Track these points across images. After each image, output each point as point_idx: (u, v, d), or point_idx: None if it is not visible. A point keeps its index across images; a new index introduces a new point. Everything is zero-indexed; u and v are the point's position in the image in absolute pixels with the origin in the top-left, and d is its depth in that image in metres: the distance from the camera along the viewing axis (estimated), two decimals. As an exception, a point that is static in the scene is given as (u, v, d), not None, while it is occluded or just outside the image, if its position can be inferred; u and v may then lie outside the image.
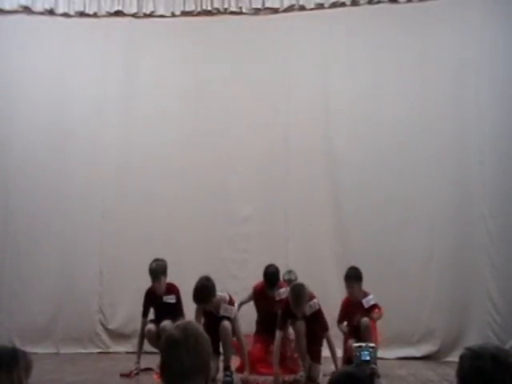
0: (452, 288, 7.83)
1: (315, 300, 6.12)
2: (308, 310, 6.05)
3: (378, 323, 6.68)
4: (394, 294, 7.51)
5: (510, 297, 7.70)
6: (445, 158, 8.12)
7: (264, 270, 6.78)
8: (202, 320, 6.25)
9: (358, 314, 6.58)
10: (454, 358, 7.24)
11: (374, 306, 6.65)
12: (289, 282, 6.96)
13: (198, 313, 6.29)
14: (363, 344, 2.79)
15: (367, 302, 6.63)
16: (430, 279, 7.90)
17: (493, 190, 7.87)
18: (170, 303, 6.75)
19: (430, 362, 7.55)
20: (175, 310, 6.55)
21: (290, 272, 7.19)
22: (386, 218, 8.02)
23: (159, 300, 6.81)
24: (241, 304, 6.94)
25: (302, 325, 5.97)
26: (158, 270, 6.72)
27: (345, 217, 8.28)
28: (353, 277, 6.61)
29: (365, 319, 6.50)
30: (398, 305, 7.55)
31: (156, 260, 6.79)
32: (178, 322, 2.38)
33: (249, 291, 7.15)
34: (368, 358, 2.73)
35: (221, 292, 6.30)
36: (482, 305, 7.72)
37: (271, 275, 6.79)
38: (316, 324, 6.05)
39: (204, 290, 6.12)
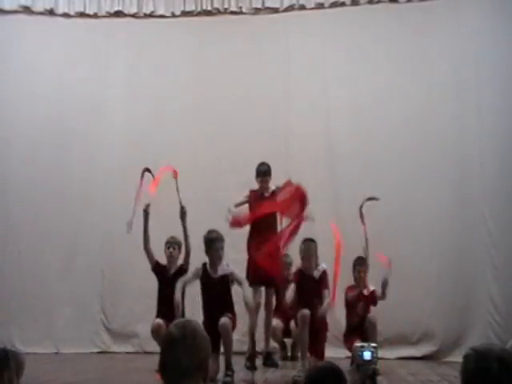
0: (452, 288, 7.84)
1: (323, 264, 6.34)
2: (316, 274, 6.24)
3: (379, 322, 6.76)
4: (395, 294, 7.49)
5: (510, 297, 7.70)
6: (445, 158, 8.13)
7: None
8: (202, 320, 6.20)
9: (361, 303, 6.71)
10: (454, 358, 7.28)
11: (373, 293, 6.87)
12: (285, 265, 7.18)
13: (194, 276, 6.32)
14: (365, 344, 2.77)
15: (367, 290, 6.87)
16: (430, 279, 7.91)
17: (493, 191, 7.88)
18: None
19: (429, 362, 7.55)
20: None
21: (286, 255, 7.27)
22: (387, 218, 8.02)
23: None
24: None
25: (306, 313, 5.97)
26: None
27: (345, 217, 8.27)
28: (360, 261, 6.86)
29: (371, 316, 6.61)
30: (398, 305, 7.55)
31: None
32: (177, 320, 2.39)
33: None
34: (370, 358, 2.72)
35: None
36: (482, 305, 7.73)
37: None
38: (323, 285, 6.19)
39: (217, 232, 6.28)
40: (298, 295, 6.26)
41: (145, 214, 6.85)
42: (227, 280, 6.29)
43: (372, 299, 6.85)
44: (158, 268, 6.91)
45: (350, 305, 6.89)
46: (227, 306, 6.26)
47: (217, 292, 6.26)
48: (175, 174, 6.89)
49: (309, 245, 6.28)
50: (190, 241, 6.76)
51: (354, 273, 6.93)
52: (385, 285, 6.77)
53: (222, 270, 6.32)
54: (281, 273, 6.79)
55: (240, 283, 6.29)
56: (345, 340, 6.86)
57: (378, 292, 6.84)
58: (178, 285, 6.27)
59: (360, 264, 6.90)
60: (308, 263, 6.22)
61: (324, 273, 6.26)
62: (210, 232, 6.41)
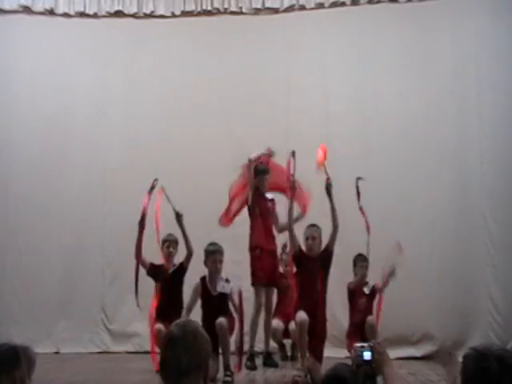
0: (453, 288, 7.84)
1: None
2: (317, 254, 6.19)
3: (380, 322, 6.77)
4: (395, 294, 7.49)
5: (510, 297, 7.71)
6: (445, 158, 8.14)
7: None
8: (200, 321, 6.21)
9: (362, 299, 6.78)
10: (455, 358, 7.27)
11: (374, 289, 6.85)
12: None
13: (195, 294, 6.33)
14: (365, 344, 2.76)
15: (368, 288, 6.88)
16: (430, 279, 7.91)
17: (493, 190, 7.89)
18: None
19: (430, 362, 7.55)
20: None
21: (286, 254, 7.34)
22: (387, 218, 8.03)
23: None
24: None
25: (304, 319, 5.95)
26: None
27: (344, 217, 8.26)
28: (363, 258, 6.89)
29: (370, 319, 6.62)
30: (398, 305, 7.55)
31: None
32: (178, 320, 2.39)
33: (248, 293, 7.11)
34: (369, 358, 2.71)
35: None
36: (482, 305, 7.74)
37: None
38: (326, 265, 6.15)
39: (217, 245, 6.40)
40: (300, 279, 6.24)
41: (140, 227, 6.77)
42: (225, 298, 6.31)
43: (373, 295, 6.86)
44: (153, 269, 6.85)
45: (351, 300, 6.89)
46: (225, 315, 6.30)
47: (216, 308, 6.27)
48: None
49: (312, 227, 6.24)
50: (190, 243, 6.73)
51: (355, 269, 6.94)
52: (391, 272, 6.76)
53: (221, 287, 6.32)
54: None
55: (234, 307, 6.29)
56: (347, 338, 6.89)
57: (379, 284, 6.84)
58: (184, 313, 6.32)
59: (362, 260, 6.91)
60: (313, 243, 6.13)
61: (325, 249, 6.23)
62: (210, 244, 6.48)
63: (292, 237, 6.20)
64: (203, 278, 6.37)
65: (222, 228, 7.66)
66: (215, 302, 6.27)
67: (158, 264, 6.89)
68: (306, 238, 6.23)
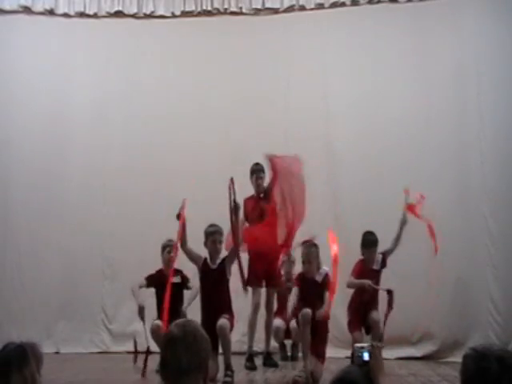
0: (453, 288, 7.84)
1: (325, 267, 6.22)
2: (319, 278, 6.16)
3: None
4: (395, 294, 7.49)
5: (510, 297, 7.70)
6: (445, 158, 8.13)
7: None
8: (200, 320, 6.19)
9: (372, 281, 6.74)
10: (455, 358, 7.27)
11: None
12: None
13: (199, 257, 6.41)
14: (365, 344, 2.76)
15: (377, 264, 6.89)
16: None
17: (493, 190, 7.88)
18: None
19: (430, 362, 7.55)
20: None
21: (290, 255, 7.35)
22: (387, 217, 7.99)
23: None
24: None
25: (307, 313, 5.96)
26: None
27: (344, 216, 8.28)
28: (375, 242, 6.86)
29: (374, 314, 6.62)
30: (398, 304, 7.53)
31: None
32: (178, 320, 2.39)
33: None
34: (369, 359, 2.71)
35: None
36: (482, 305, 7.73)
37: None
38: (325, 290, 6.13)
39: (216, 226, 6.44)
40: (300, 298, 6.25)
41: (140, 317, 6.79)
42: (224, 268, 6.35)
43: (384, 262, 6.89)
44: (151, 280, 6.89)
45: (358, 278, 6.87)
46: (225, 304, 6.30)
47: (214, 281, 6.31)
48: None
49: (310, 248, 6.21)
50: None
51: (365, 254, 6.90)
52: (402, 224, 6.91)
53: (220, 260, 6.42)
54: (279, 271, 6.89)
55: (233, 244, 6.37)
56: (349, 323, 6.89)
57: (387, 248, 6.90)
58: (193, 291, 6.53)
59: (371, 246, 6.88)
60: (309, 267, 6.16)
61: (327, 276, 6.18)
62: (210, 225, 6.53)
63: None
64: (205, 259, 6.44)
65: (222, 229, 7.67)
66: (214, 274, 6.33)
67: (154, 273, 6.92)
68: (303, 262, 6.25)
